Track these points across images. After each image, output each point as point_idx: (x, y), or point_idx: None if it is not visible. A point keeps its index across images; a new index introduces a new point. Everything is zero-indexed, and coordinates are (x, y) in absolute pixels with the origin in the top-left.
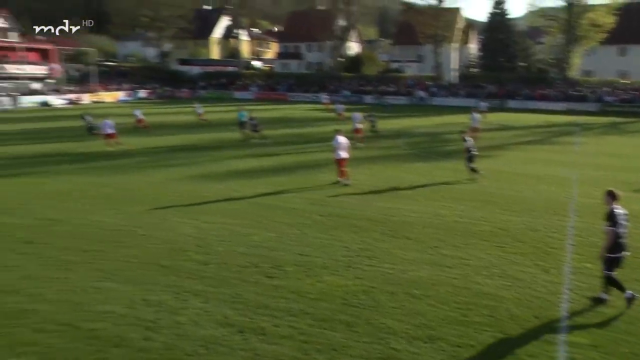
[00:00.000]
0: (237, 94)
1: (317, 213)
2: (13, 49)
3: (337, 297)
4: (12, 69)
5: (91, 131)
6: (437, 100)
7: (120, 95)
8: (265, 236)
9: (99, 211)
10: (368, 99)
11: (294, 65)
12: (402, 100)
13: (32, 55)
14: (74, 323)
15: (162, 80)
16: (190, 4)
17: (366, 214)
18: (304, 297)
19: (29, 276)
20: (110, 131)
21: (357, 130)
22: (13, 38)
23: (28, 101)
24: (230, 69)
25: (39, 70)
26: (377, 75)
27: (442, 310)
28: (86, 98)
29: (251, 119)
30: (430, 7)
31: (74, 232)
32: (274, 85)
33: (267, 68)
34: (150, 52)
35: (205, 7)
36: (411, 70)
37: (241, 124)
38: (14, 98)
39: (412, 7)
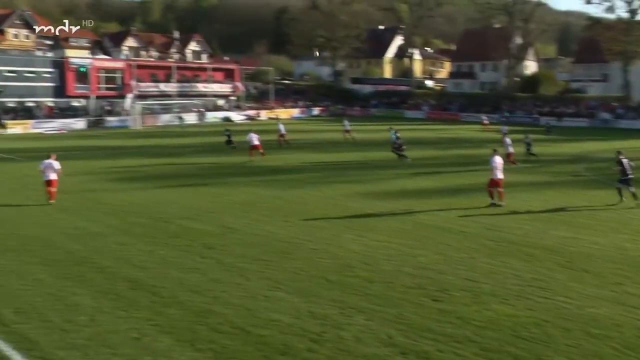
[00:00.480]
0: (409, 113)
1: (486, 237)
2: (203, 69)
3: (505, 327)
4: (201, 87)
5: (229, 144)
6: (624, 123)
7: (295, 112)
8: (432, 258)
9: (272, 222)
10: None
11: (466, 85)
12: (582, 122)
13: (218, 75)
14: (246, 328)
15: (335, 99)
16: (365, 25)
17: (540, 242)
18: (470, 324)
19: (213, 279)
20: (255, 143)
21: (508, 155)
22: (203, 59)
23: (212, 116)
24: (402, 88)
25: (224, 88)
26: (555, 95)
27: (628, 356)
28: (263, 114)
29: (397, 138)
30: (620, 21)
31: (249, 241)
32: (446, 105)
33: (439, 87)
34: (325, 71)
35: (379, 27)
36: (594, 90)
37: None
38: (202, 114)
39: (599, 22)
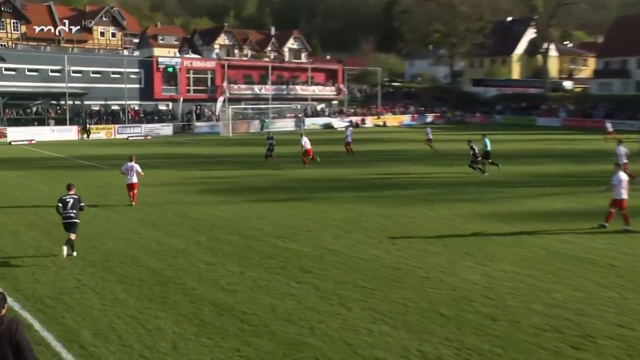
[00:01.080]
0: (541, 121)
1: None
2: (303, 70)
3: None
4: (300, 90)
5: (269, 155)
6: None
7: (405, 119)
8: (570, 295)
9: (378, 245)
10: None
11: (617, 85)
12: None
13: (319, 76)
14: None
15: (453, 104)
16: (490, 16)
17: None
18: None
19: (309, 308)
20: (308, 147)
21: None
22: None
23: (311, 123)
24: (533, 90)
25: (325, 91)
26: None
27: None
28: (369, 121)
29: (472, 148)
30: None
31: (350, 266)
32: (588, 110)
33: (579, 89)
34: (441, 72)
35: (507, 19)
36: None
37: (486, 154)
38: (300, 120)
39: None
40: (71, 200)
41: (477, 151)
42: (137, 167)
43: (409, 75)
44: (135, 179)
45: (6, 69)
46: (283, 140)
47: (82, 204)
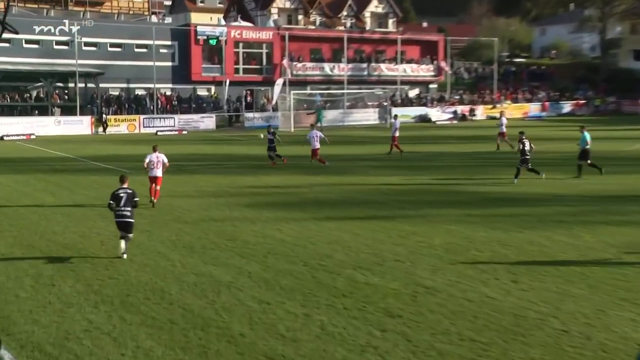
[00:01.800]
0: None
1: None
2: (390, 42)
3: None
4: (385, 69)
5: (271, 153)
6: None
7: (531, 108)
8: None
9: (493, 282)
10: None
11: None
12: None
13: (412, 51)
14: None
15: (602, 86)
16: None
17: None
18: None
19: None
20: (317, 146)
21: None
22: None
23: (401, 114)
24: None
25: (420, 71)
26: None
27: None
28: (480, 111)
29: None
30: None
31: (454, 309)
32: None
33: None
34: (585, 42)
35: None
36: None
37: (584, 153)
38: (385, 110)
39: None
40: (124, 196)
41: (527, 148)
42: (163, 157)
43: (538, 48)
44: (160, 172)
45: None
46: (362, 137)
47: (136, 199)
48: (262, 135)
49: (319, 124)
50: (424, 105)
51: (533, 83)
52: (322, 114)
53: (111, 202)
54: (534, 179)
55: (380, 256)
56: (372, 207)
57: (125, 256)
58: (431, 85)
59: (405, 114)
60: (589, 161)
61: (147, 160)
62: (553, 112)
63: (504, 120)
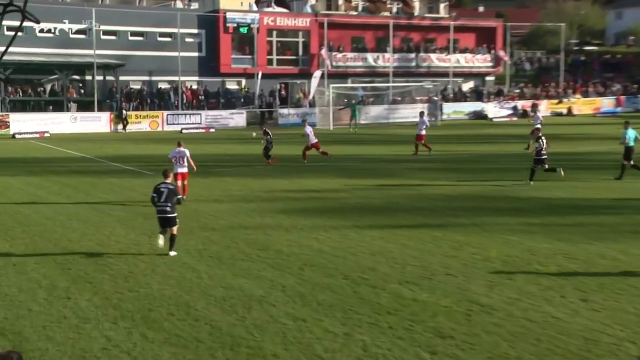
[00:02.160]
0: None
1: None
2: (441, 29)
3: None
4: (436, 60)
5: (267, 153)
6: None
7: (604, 103)
8: None
9: (558, 300)
10: None
11: None
12: None
13: (467, 39)
14: None
15: None
16: None
17: None
18: None
19: None
20: (313, 140)
21: None
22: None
23: (452, 110)
24: None
25: (477, 61)
26: None
27: None
28: (543, 107)
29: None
30: None
31: (513, 330)
32: None
33: None
34: None
35: None
36: None
37: (628, 152)
38: (435, 105)
39: None
40: (165, 190)
41: (543, 147)
42: (187, 152)
43: (612, 34)
44: (185, 168)
45: (8, 28)
46: (408, 136)
47: (178, 197)
48: (254, 134)
49: (353, 121)
50: (480, 100)
51: (606, 74)
52: (357, 110)
53: (154, 195)
54: (600, 181)
55: (429, 269)
56: (420, 214)
57: (172, 253)
58: (488, 78)
59: (458, 109)
60: (631, 162)
61: (170, 156)
62: (630, 107)
63: (539, 116)
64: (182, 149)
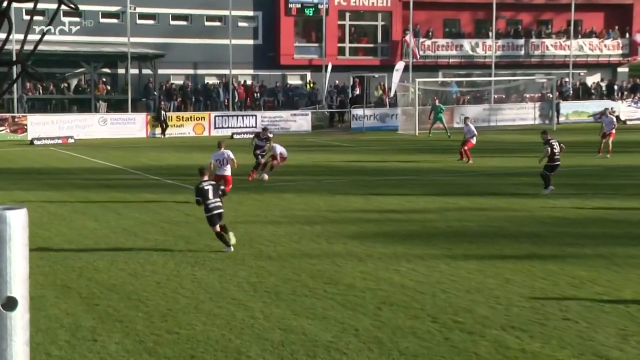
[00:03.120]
0: None
1: None
2: (559, 8)
3: None
4: (552, 47)
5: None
6: None
7: None
8: None
9: None
10: None
11: None
12: None
13: (593, 19)
14: None
15: None
16: None
17: None
18: None
19: None
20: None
21: None
22: None
23: (572, 111)
24: None
25: (604, 49)
26: None
27: None
28: None
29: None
30: None
31: None
32: None
33: None
34: None
35: None
36: None
37: None
38: (548, 104)
39: None
40: (210, 187)
41: (557, 150)
42: (229, 154)
43: None
44: (228, 171)
45: (27, 11)
46: (516, 143)
47: (222, 188)
48: (265, 177)
49: (442, 125)
50: (609, 97)
51: None
52: (440, 112)
53: (198, 198)
54: None
55: (541, 312)
56: (529, 241)
57: (234, 240)
58: (620, 69)
59: (580, 110)
60: None
61: (212, 161)
62: None
63: (610, 120)
64: (224, 150)
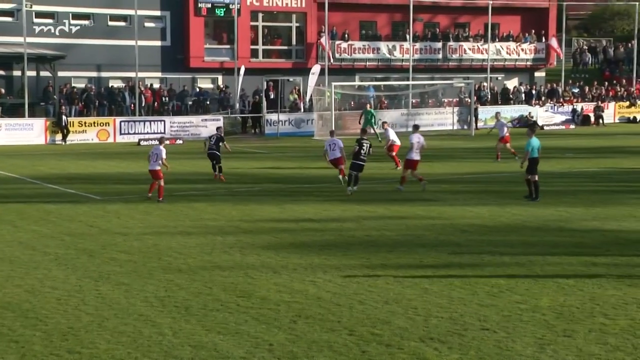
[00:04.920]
0: None
1: None
2: (477, 11)
3: None
4: (470, 51)
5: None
6: None
7: None
8: None
9: None
10: None
11: None
12: None
13: (509, 23)
14: None
15: None
16: None
17: None
18: None
19: None
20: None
21: None
22: None
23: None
24: None
25: (521, 53)
26: None
27: None
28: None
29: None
30: None
31: None
32: None
33: None
34: None
35: None
36: None
37: None
38: (466, 109)
39: None
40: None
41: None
42: (162, 151)
43: None
44: (158, 166)
45: None
46: (434, 149)
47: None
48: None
49: (371, 130)
50: (526, 102)
51: None
52: (373, 117)
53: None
54: None
55: (460, 323)
56: (448, 250)
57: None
58: (537, 74)
59: (498, 115)
60: None
61: (149, 154)
62: None
63: (502, 123)
64: (161, 147)
